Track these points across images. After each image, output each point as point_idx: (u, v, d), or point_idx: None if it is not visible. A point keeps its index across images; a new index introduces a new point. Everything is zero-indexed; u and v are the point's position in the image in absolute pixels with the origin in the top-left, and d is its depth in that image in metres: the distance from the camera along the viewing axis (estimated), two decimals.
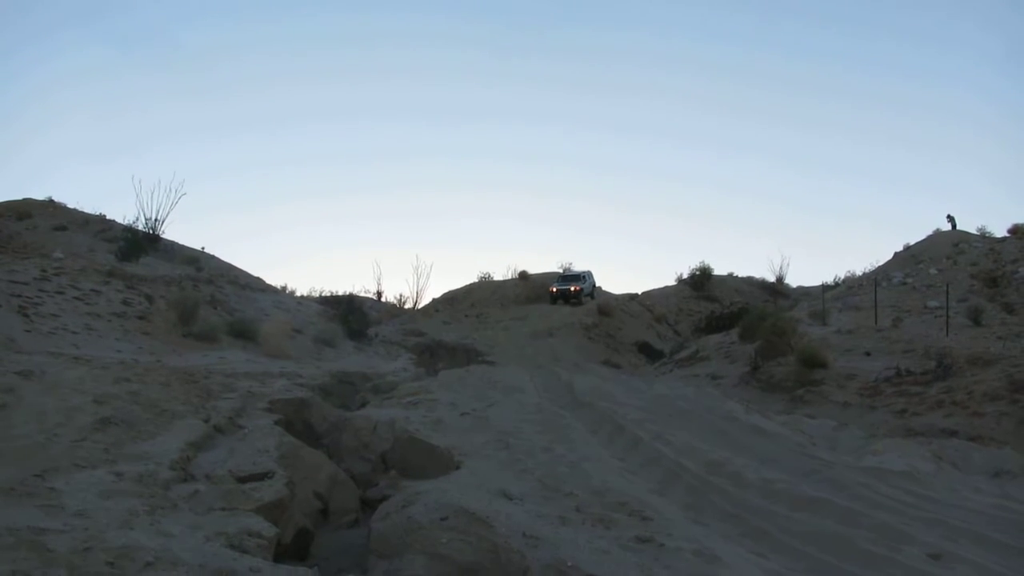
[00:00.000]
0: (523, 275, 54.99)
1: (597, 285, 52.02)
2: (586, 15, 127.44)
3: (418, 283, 64.92)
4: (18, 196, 42.31)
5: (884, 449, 11.99)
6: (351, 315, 30.52)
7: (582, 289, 48.01)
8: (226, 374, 14.35)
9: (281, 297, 33.26)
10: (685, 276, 57.13)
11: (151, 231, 31.74)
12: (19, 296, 16.65)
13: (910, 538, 7.45)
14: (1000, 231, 43.18)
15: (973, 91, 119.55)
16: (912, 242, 44.07)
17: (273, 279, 51.07)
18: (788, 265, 72.53)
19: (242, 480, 7.77)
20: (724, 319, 36.16)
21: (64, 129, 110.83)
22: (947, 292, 27.94)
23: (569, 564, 6.00)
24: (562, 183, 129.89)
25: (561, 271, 53.82)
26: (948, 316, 25.81)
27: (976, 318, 26.94)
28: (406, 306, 57.34)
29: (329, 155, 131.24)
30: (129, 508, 6.00)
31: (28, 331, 14.64)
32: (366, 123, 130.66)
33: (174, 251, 34.12)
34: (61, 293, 18.31)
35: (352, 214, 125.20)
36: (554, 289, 48.43)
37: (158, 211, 32.07)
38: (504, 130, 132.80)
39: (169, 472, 7.35)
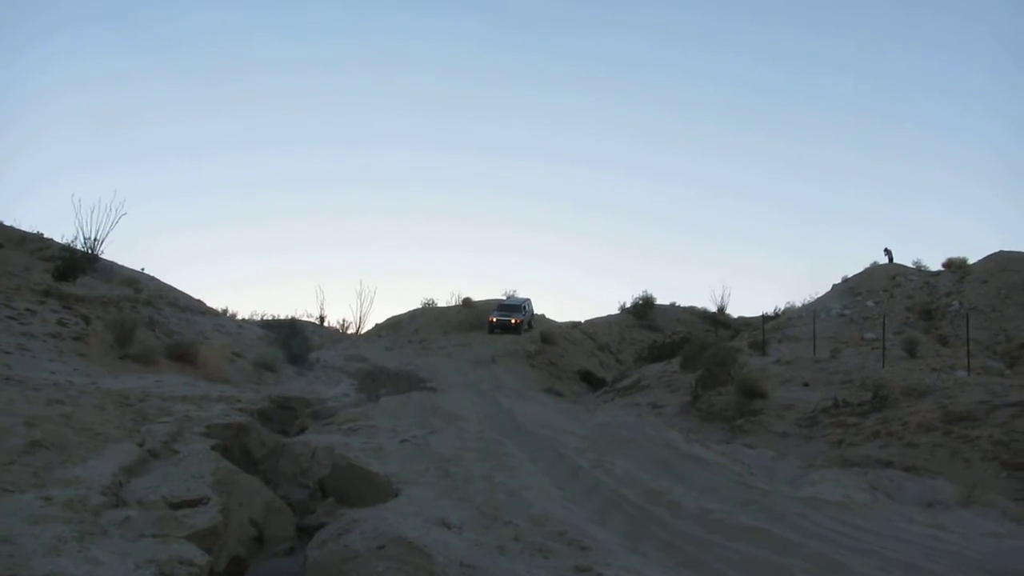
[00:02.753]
0: (466, 302, 54.91)
1: (536, 313, 51.93)
2: (529, 44, 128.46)
3: (361, 308, 64.66)
4: None
5: (821, 479, 12.11)
6: (293, 339, 30.21)
7: (522, 321, 47.45)
8: (163, 397, 14.13)
9: (222, 320, 32.89)
10: (628, 305, 57.52)
11: (90, 251, 31.18)
12: None
13: (846, 568, 7.51)
14: (935, 264, 44.14)
15: (911, 124, 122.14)
16: (850, 274, 44.79)
17: (215, 302, 50.50)
18: (729, 295, 73.43)
19: (176, 506, 7.64)
20: (666, 348, 36.46)
21: None
22: (884, 324, 28.45)
23: None
24: (506, 210, 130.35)
25: (505, 298, 53.64)
26: (884, 348, 26.25)
27: (912, 350, 27.43)
28: (349, 331, 57.05)
29: (274, 179, 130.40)
30: (57, 534, 5.86)
31: None
32: (311, 148, 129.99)
33: (113, 272, 33.55)
34: None
35: (296, 238, 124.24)
36: (493, 319, 47.59)
37: (97, 231, 31.52)
38: (448, 157, 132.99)
39: (100, 497, 7.20)
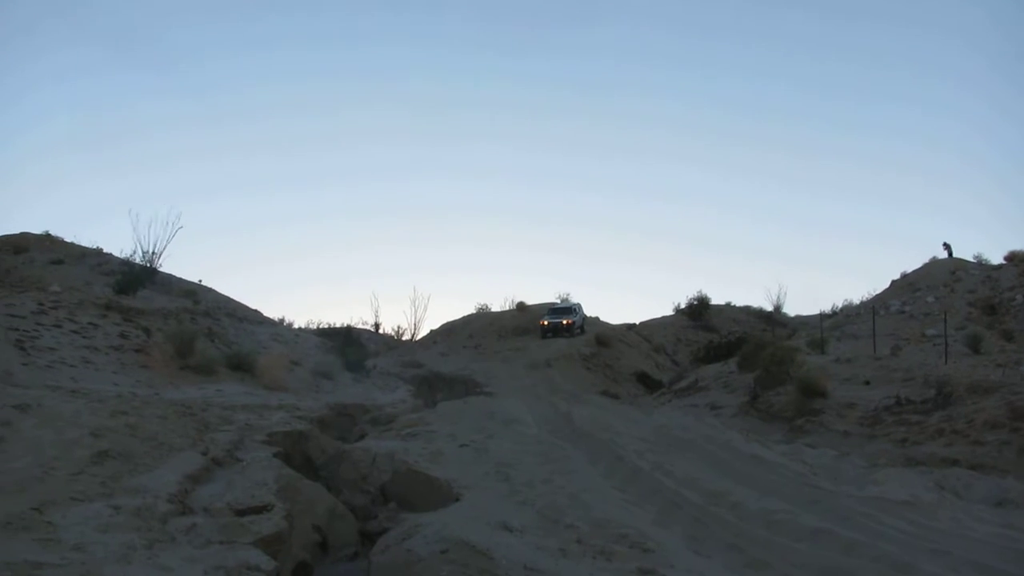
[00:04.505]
0: (520, 306, 54.87)
1: (589, 316, 51.74)
2: (584, 42, 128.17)
3: (416, 314, 65.08)
4: (15, 230, 42.29)
5: (885, 479, 11.93)
6: (349, 347, 30.45)
7: (574, 322, 47.31)
8: (224, 407, 14.30)
9: (279, 329, 33.22)
10: (683, 306, 57.08)
11: (148, 264, 31.65)
12: (16, 330, 16.61)
13: (914, 568, 7.39)
14: (997, 258, 43.28)
15: (968, 119, 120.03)
16: (909, 270, 44.06)
17: (270, 311, 51.09)
18: (785, 295, 72.59)
19: (240, 513, 7.73)
20: (722, 348, 36.12)
21: (60, 161, 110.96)
22: (945, 320, 27.93)
23: None
24: (559, 213, 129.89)
25: (559, 301, 53.54)
26: (947, 344, 25.79)
27: (975, 346, 26.92)
28: (404, 337, 57.33)
29: (326, 187, 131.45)
30: (126, 542, 5.95)
31: (25, 364, 14.59)
32: (363, 152, 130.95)
33: (171, 284, 34.08)
34: (58, 327, 18.28)
35: (350, 246, 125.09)
36: (545, 323, 47.40)
37: (155, 244, 31.98)
38: (500, 157, 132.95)
39: (167, 505, 7.31)
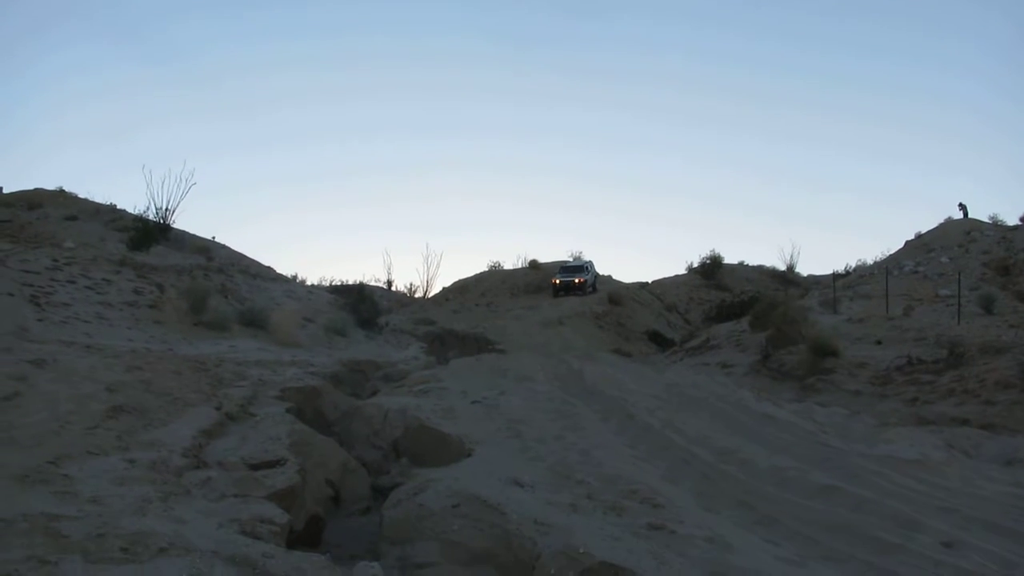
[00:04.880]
0: (533, 264, 54.93)
1: (601, 274, 51.71)
2: (597, 4, 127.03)
3: (428, 272, 65.10)
4: (29, 186, 42.35)
5: (896, 437, 11.96)
6: (362, 304, 30.49)
7: (586, 281, 47.27)
8: (237, 362, 14.39)
9: (292, 286, 33.27)
10: (695, 265, 57.04)
11: (162, 221, 31.72)
12: (31, 286, 16.70)
13: (923, 526, 7.43)
14: (1013, 219, 43.05)
15: (983, 78, 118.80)
16: (924, 230, 43.88)
17: (283, 268, 51.17)
18: (799, 254, 72.70)
19: (254, 467, 7.80)
20: (735, 307, 36.12)
21: (73, 118, 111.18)
22: (959, 280, 27.82)
23: (581, 551, 6.00)
24: (572, 171, 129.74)
25: (571, 259, 53.50)
26: (960, 304, 25.71)
27: (988, 306, 26.82)
28: (416, 295, 57.46)
29: (338, 143, 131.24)
30: (142, 495, 6.02)
31: (40, 320, 14.68)
32: (373, 110, 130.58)
33: (185, 241, 34.10)
34: (73, 282, 18.36)
35: (363, 204, 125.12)
36: (557, 281, 47.49)
37: (168, 201, 32.06)
38: (514, 115, 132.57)
39: (181, 459, 7.39)
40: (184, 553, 4.95)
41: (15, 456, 6.42)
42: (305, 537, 7.50)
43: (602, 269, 52.67)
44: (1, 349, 10.85)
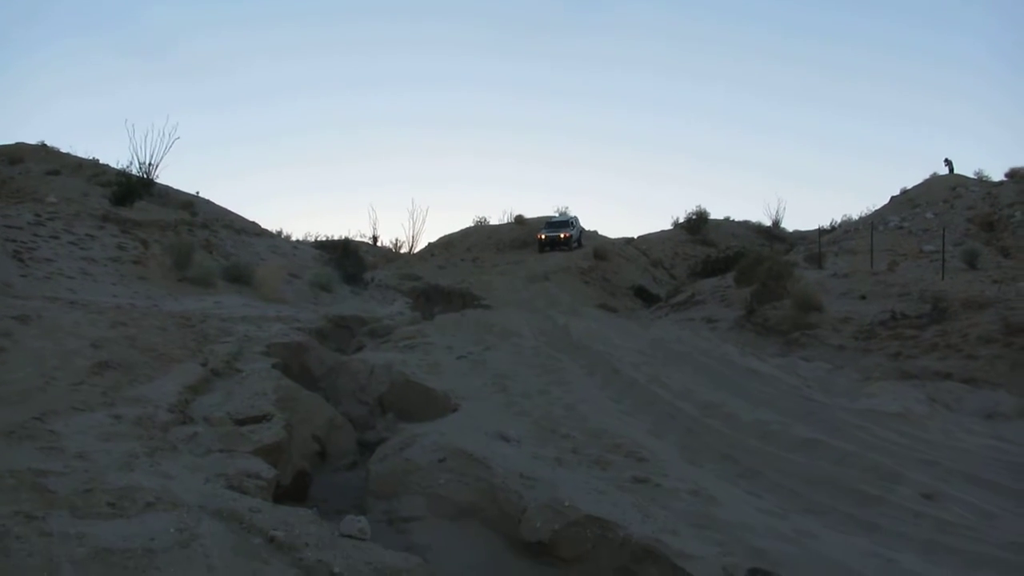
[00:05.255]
0: (519, 219, 54.84)
1: (587, 230, 51.63)
2: None
3: (414, 227, 65.05)
4: (10, 140, 41.94)
5: (878, 391, 12.05)
6: (347, 259, 30.46)
7: (571, 236, 47.11)
8: (222, 318, 14.37)
9: (276, 242, 33.20)
10: (681, 220, 56.99)
11: (145, 175, 31.52)
12: (14, 241, 16.61)
13: (903, 478, 7.52)
14: (998, 175, 43.08)
15: (971, 33, 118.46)
16: (909, 186, 43.91)
17: (268, 223, 51.06)
18: (784, 209, 72.86)
19: (240, 423, 7.82)
20: (720, 263, 36.12)
21: (54, 72, 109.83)
22: (943, 236, 27.94)
23: (566, 504, 6.05)
24: (557, 126, 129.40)
25: (556, 215, 53.38)
26: (944, 260, 25.84)
27: (972, 262, 26.97)
28: (402, 250, 57.42)
29: (325, 98, 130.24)
30: (128, 450, 6.04)
31: (24, 276, 14.62)
32: (359, 62, 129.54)
33: (168, 196, 33.97)
34: (56, 238, 18.27)
35: (347, 158, 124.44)
36: (542, 236, 47.21)
37: (152, 155, 31.86)
38: (498, 70, 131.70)
39: (167, 415, 7.40)
40: (171, 508, 4.97)
41: (1, 412, 6.41)
42: (292, 492, 7.54)
43: (588, 225, 52.66)
44: None
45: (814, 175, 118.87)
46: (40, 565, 3.99)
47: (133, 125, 48.84)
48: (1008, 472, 8.00)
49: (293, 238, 45.72)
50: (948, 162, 45.20)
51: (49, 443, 5.89)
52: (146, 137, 32.41)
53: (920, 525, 6.41)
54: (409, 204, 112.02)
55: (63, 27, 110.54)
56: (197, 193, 40.09)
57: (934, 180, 43.68)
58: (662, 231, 58.12)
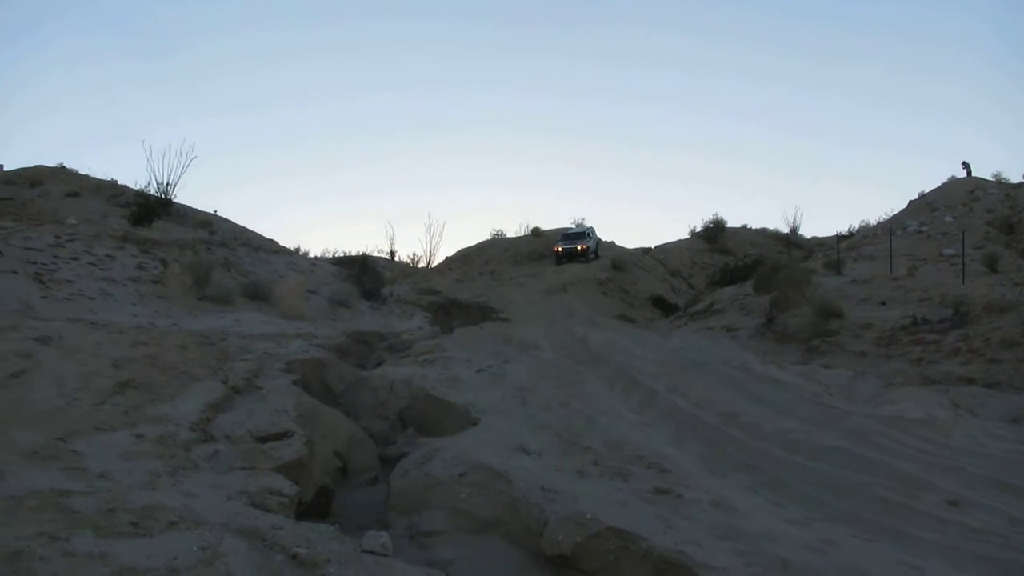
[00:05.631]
0: (536, 231, 54.82)
1: (604, 240, 51.49)
2: None
3: (431, 242, 65.07)
4: (30, 163, 42.20)
5: (901, 398, 11.97)
6: (365, 275, 30.50)
7: (588, 247, 46.91)
8: (242, 336, 14.42)
9: (295, 259, 33.26)
10: (698, 229, 56.81)
11: (163, 195, 31.67)
12: (35, 263, 16.71)
13: (928, 485, 7.46)
14: (1016, 176, 42.80)
15: (990, 34, 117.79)
16: (927, 190, 43.68)
17: (286, 241, 51.12)
18: (802, 216, 72.40)
19: (262, 440, 7.83)
20: (738, 271, 36.04)
21: (72, 98, 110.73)
22: (963, 239, 27.78)
23: (588, 516, 6.03)
24: (573, 136, 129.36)
25: (573, 226, 53.32)
26: (964, 263, 25.67)
27: (992, 265, 26.76)
28: (419, 265, 57.44)
29: (338, 113, 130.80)
30: (151, 469, 6.06)
31: (44, 297, 14.70)
32: (374, 78, 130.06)
33: (187, 215, 34.04)
34: (76, 259, 18.37)
35: (364, 174, 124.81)
36: (559, 249, 46.87)
37: (169, 175, 31.99)
38: (513, 80, 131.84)
39: (189, 433, 7.42)
40: (194, 526, 4.98)
41: (24, 433, 6.45)
42: (314, 508, 7.55)
43: (604, 235, 52.60)
44: (7, 327, 10.87)
45: (831, 181, 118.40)
46: None
47: (151, 145, 49.16)
48: None
49: (311, 255, 45.81)
50: (966, 165, 44.95)
51: (72, 463, 5.91)
52: (163, 157, 32.61)
53: (945, 532, 6.36)
54: (426, 218, 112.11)
55: (66, 28, 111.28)
56: (215, 211, 40.16)
57: (952, 183, 43.43)
58: (679, 240, 57.94)
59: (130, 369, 9.41)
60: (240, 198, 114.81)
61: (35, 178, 38.57)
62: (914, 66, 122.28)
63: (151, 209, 28.44)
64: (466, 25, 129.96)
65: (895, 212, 43.07)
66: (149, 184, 32.16)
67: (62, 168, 42.08)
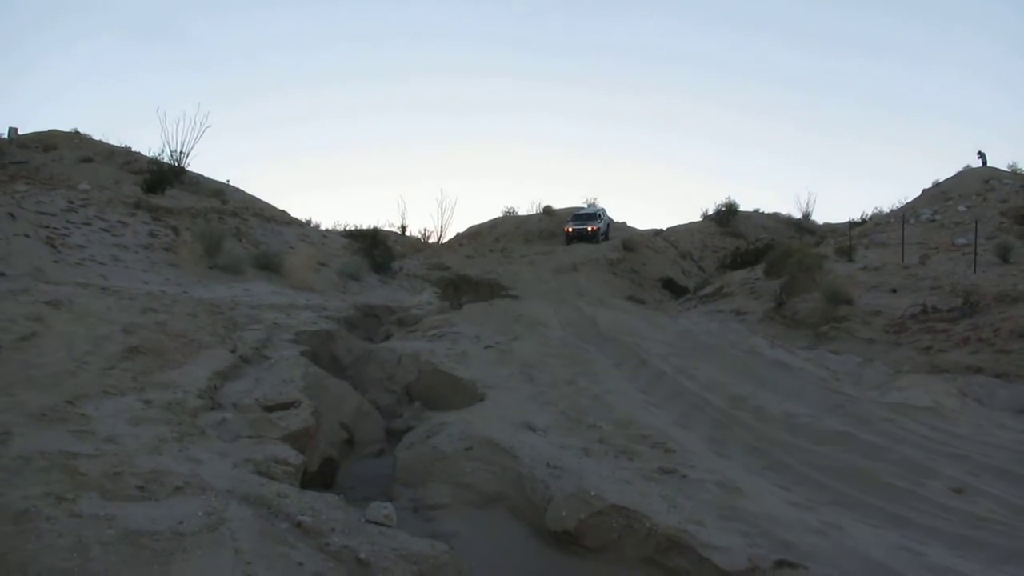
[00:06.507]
0: (547, 210, 54.66)
1: (616, 221, 51.25)
2: None
3: (442, 217, 65.09)
4: (43, 128, 42.27)
5: (909, 385, 11.96)
6: (376, 249, 30.54)
7: (599, 229, 46.61)
8: (252, 306, 14.44)
9: (306, 230, 33.30)
10: (711, 212, 56.61)
11: (176, 163, 31.73)
12: (47, 227, 16.75)
13: (933, 472, 7.46)
14: None
15: (1008, 23, 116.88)
16: (942, 179, 43.41)
17: (298, 212, 51.17)
18: (815, 201, 72.31)
19: (269, 409, 7.85)
20: (749, 255, 35.89)
21: (87, 57, 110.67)
22: (976, 229, 27.63)
23: (592, 494, 6.04)
24: (587, 115, 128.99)
25: (585, 206, 53.12)
26: (976, 253, 25.55)
27: (1005, 255, 26.60)
28: (430, 240, 57.46)
29: (352, 90, 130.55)
30: (158, 434, 6.08)
31: (56, 262, 14.75)
32: (390, 55, 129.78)
33: (199, 183, 34.12)
34: (88, 224, 18.42)
35: (377, 147, 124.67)
36: (570, 229, 46.74)
37: (183, 143, 32.08)
38: (526, 61, 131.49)
39: (197, 400, 7.44)
40: (199, 492, 5.00)
41: (33, 395, 6.47)
42: (319, 479, 7.57)
43: (617, 216, 52.43)
44: (18, 290, 10.90)
45: (845, 167, 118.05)
46: (69, 546, 4.02)
47: (165, 113, 49.37)
48: None
49: (322, 227, 45.86)
50: (981, 154, 44.66)
51: (80, 426, 5.93)
52: (178, 125, 32.59)
53: (950, 519, 6.37)
54: (438, 194, 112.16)
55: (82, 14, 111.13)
56: (228, 181, 40.29)
57: (967, 172, 43.15)
58: (691, 223, 57.74)
59: (140, 335, 9.43)
60: (253, 171, 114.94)
61: (49, 143, 38.63)
62: (932, 59, 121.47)
63: (164, 177, 28.51)
64: (483, 13, 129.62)
65: (909, 200, 42.87)
66: (163, 152, 32.23)
67: (76, 133, 42.17)
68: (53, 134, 41.17)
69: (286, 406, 7.99)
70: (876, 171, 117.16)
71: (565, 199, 61.82)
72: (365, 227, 45.25)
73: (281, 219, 33.07)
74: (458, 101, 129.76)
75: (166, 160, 31.91)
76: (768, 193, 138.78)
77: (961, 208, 36.82)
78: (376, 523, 5.29)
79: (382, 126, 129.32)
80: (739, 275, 29.91)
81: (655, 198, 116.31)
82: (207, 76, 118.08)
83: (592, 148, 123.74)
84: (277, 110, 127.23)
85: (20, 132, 40.01)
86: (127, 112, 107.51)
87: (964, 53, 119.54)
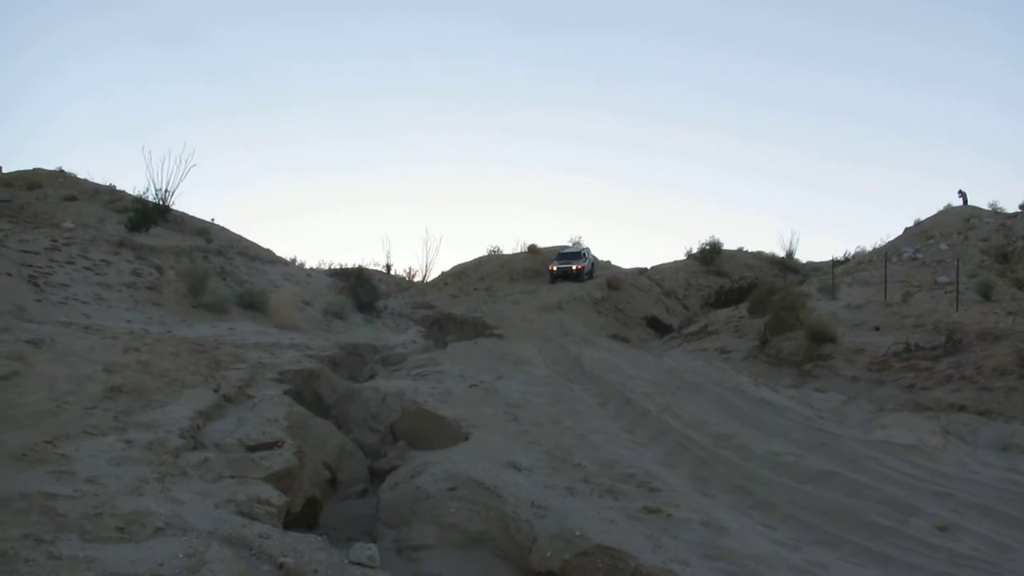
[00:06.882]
0: (532, 249, 54.72)
1: (600, 260, 51.38)
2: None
3: (427, 256, 65.07)
4: (28, 166, 42.27)
5: (892, 423, 11.98)
6: (360, 288, 30.50)
7: (583, 268, 46.67)
8: (236, 345, 14.39)
9: (291, 269, 33.28)
10: (695, 251, 56.85)
11: (161, 202, 31.72)
12: (30, 266, 16.67)
13: (918, 510, 7.46)
14: (1012, 206, 42.96)
15: (987, 65, 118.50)
16: (923, 218, 43.78)
17: (283, 251, 51.13)
18: (798, 240, 72.73)
19: (252, 449, 7.80)
20: (733, 294, 36.07)
21: (73, 101, 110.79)
22: (957, 267, 27.82)
23: (577, 534, 6.01)
24: (571, 156, 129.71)
25: (570, 244, 53.24)
26: (958, 291, 25.70)
27: (986, 293, 26.78)
28: (415, 279, 57.44)
29: (339, 128, 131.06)
30: (139, 475, 6.03)
31: (39, 300, 14.66)
32: (376, 97, 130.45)
33: (184, 222, 34.11)
34: (71, 263, 18.34)
35: (362, 187, 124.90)
36: (554, 268, 46.64)
37: (168, 182, 32.07)
38: (514, 105, 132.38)
39: (179, 440, 7.39)
40: (181, 533, 4.96)
41: (13, 435, 6.42)
42: (302, 519, 7.52)
43: (601, 254, 52.54)
44: None
45: (828, 206, 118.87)
46: None
47: (150, 152, 49.32)
48: (1023, 505, 7.92)
49: (307, 266, 45.80)
50: (962, 193, 45.11)
51: (60, 467, 5.88)
52: (163, 164, 32.67)
53: (934, 557, 6.36)
54: (423, 233, 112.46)
55: (80, 50, 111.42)
56: (212, 220, 40.28)
57: (948, 211, 43.55)
58: (675, 261, 57.97)
59: (122, 374, 9.38)
60: (239, 213, 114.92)
61: (33, 181, 38.59)
62: (913, 98, 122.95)
63: (148, 215, 28.47)
64: (467, 34, 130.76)
65: (891, 239, 43.18)
66: (148, 190, 32.24)
67: (60, 172, 42.15)
68: (37, 172, 41.16)
69: (269, 446, 7.95)
70: (859, 211, 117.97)
71: (550, 237, 62.07)
72: (350, 266, 45.31)
73: (266, 258, 33.06)
74: (444, 148, 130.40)
75: (151, 199, 31.90)
76: (751, 232, 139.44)
77: (943, 246, 37.10)
78: (360, 564, 5.26)
79: (369, 166, 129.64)
80: (723, 313, 30.02)
81: (639, 237, 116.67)
82: (192, 105, 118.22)
83: (576, 188, 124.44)
84: (265, 152, 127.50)
85: (4, 170, 39.99)
86: (112, 150, 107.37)
87: (945, 92, 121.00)
